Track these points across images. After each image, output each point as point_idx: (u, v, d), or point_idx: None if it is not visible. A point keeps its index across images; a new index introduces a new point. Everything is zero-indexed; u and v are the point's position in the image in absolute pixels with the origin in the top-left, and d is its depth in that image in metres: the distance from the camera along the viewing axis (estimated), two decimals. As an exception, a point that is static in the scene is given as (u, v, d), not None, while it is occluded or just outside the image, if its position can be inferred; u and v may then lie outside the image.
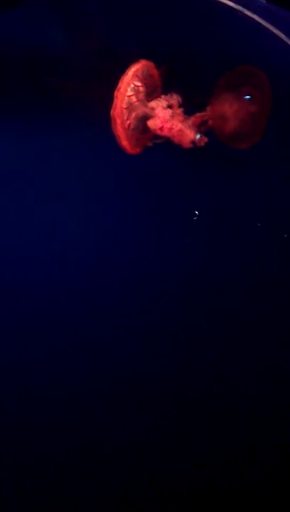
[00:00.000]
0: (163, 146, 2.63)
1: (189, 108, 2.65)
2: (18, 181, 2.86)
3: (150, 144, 2.65)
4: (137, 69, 2.51)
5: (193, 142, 2.61)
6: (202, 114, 2.70)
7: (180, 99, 2.62)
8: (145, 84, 2.59)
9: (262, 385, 2.68)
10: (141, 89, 2.57)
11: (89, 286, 2.75)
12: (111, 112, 2.49)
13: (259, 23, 2.98)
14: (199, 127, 2.68)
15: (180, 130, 2.56)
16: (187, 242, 2.80)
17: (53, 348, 2.68)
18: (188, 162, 2.82)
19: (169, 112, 2.58)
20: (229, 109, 2.70)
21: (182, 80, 2.77)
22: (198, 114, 2.70)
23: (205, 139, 2.63)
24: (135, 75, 2.51)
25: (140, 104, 2.55)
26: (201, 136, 2.65)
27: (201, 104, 2.69)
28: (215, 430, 2.64)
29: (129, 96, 2.52)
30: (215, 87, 2.72)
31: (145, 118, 2.58)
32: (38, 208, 2.82)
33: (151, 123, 2.56)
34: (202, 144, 2.61)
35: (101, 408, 2.64)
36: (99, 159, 2.80)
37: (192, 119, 2.67)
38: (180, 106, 2.64)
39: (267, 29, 2.99)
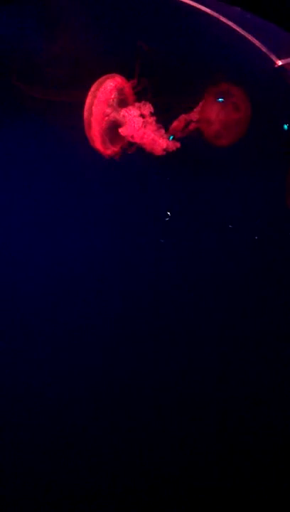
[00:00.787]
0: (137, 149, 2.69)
1: (162, 117, 2.69)
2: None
3: (123, 148, 2.69)
4: (112, 83, 2.56)
5: (165, 150, 2.64)
6: (186, 116, 2.75)
7: (151, 108, 2.65)
8: (119, 92, 2.63)
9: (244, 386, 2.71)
10: (114, 95, 2.61)
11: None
12: (85, 115, 2.54)
13: (236, 30, 3.04)
14: (181, 130, 2.73)
15: (152, 139, 2.60)
16: (160, 243, 2.84)
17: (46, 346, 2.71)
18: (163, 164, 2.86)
19: (141, 120, 2.61)
20: (216, 117, 2.76)
21: (162, 85, 2.82)
22: (182, 117, 2.76)
23: (178, 144, 2.68)
24: (109, 87, 2.56)
25: (112, 110, 2.59)
26: (173, 140, 2.70)
27: (184, 108, 2.75)
28: (213, 428, 2.67)
29: (105, 104, 2.57)
30: (201, 96, 2.79)
31: (117, 124, 2.62)
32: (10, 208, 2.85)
33: (122, 130, 2.60)
34: (174, 148, 2.65)
35: (98, 412, 2.67)
36: (73, 159, 2.83)
37: (175, 122, 2.72)
38: (152, 115, 2.67)
39: (243, 36, 3.05)
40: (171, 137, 2.77)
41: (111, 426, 2.63)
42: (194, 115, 2.79)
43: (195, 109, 2.79)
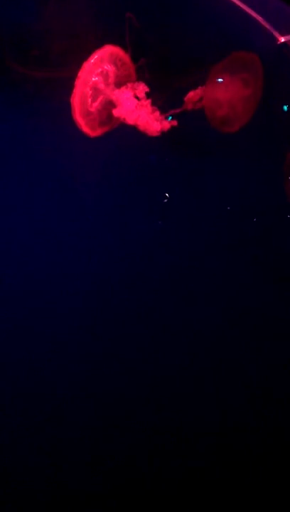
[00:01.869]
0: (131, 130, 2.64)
1: (158, 98, 2.63)
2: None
3: (115, 128, 2.64)
4: (102, 55, 2.49)
5: (160, 131, 2.59)
6: (196, 92, 2.69)
7: (146, 89, 2.59)
8: (116, 70, 2.57)
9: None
10: (110, 73, 2.55)
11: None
12: (71, 99, 2.48)
13: (238, 6, 2.97)
14: (195, 103, 2.67)
15: (145, 121, 2.55)
16: (158, 225, 2.82)
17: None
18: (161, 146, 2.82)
19: (134, 102, 2.55)
20: (225, 94, 2.70)
21: (160, 65, 2.76)
22: (191, 93, 2.69)
23: (175, 123, 2.63)
24: (100, 62, 2.49)
25: (107, 89, 2.53)
26: (171, 120, 2.66)
27: (183, 89, 2.69)
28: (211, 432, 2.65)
29: (95, 81, 2.50)
30: (209, 71, 2.73)
31: (111, 104, 2.56)
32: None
33: (115, 111, 2.54)
34: (169, 128, 2.60)
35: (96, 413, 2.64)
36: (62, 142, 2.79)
37: (191, 93, 2.65)
38: (148, 97, 2.60)
39: (246, 12, 2.97)
40: (170, 118, 2.73)
41: (110, 425, 2.62)
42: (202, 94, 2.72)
43: (201, 88, 2.72)
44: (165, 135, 2.66)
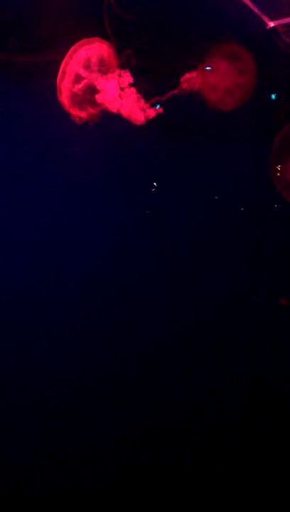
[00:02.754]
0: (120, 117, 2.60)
1: (143, 88, 2.59)
2: None
3: (97, 114, 2.60)
4: (89, 48, 2.45)
5: (145, 119, 2.57)
6: (191, 76, 2.67)
7: (131, 78, 2.55)
8: (101, 58, 2.53)
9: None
10: (94, 61, 2.52)
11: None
12: (57, 83, 2.46)
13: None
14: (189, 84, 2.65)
15: (129, 110, 2.52)
16: (146, 214, 2.81)
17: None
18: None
19: (118, 90, 2.52)
20: (220, 81, 2.68)
21: (147, 52, 2.71)
22: (187, 76, 2.67)
23: (161, 110, 2.60)
24: (84, 50, 2.46)
25: (90, 75, 2.50)
26: (159, 108, 2.63)
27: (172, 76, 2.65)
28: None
29: (78, 67, 2.47)
30: (206, 56, 2.70)
31: (95, 90, 2.53)
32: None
33: (98, 97, 2.51)
34: (154, 116, 2.57)
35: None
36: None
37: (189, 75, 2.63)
38: (131, 86, 2.58)
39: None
40: (158, 106, 2.70)
41: (109, 424, 2.65)
42: (197, 79, 2.70)
43: (196, 74, 2.69)
44: (154, 123, 2.65)
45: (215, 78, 2.70)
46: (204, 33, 2.85)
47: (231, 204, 2.80)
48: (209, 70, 2.71)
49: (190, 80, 2.69)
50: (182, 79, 2.67)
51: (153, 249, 2.78)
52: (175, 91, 2.68)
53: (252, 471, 2.60)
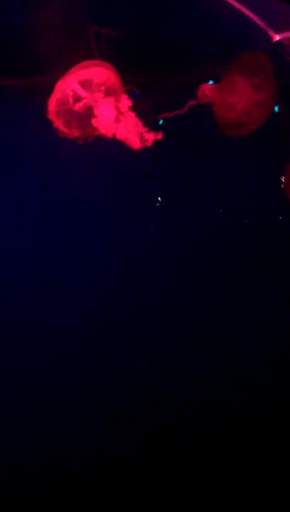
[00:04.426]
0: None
1: (142, 111, 2.59)
2: None
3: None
4: (89, 70, 2.47)
5: (143, 144, 2.56)
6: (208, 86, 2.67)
7: (129, 102, 2.54)
8: (100, 82, 2.53)
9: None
10: (94, 83, 2.52)
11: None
12: (49, 101, 2.48)
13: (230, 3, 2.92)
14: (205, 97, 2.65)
15: (125, 136, 2.51)
16: (150, 229, 2.81)
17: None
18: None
19: (114, 115, 2.51)
20: (239, 99, 2.68)
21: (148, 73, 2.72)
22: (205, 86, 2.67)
23: (160, 136, 2.60)
24: (85, 74, 2.47)
25: (90, 97, 2.50)
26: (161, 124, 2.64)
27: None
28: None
29: (74, 89, 2.49)
30: (223, 74, 2.71)
31: (92, 111, 2.53)
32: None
33: (94, 121, 2.51)
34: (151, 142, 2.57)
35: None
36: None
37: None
38: (131, 109, 2.57)
39: (238, 9, 2.92)
40: (161, 121, 2.71)
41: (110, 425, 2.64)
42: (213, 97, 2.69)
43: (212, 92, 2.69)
44: (161, 137, 2.65)
45: (234, 98, 2.70)
46: (209, 50, 2.85)
47: (236, 217, 2.77)
48: (217, 87, 2.70)
49: (201, 97, 2.69)
50: (194, 96, 2.67)
51: (157, 263, 2.78)
52: (183, 109, 2.68)
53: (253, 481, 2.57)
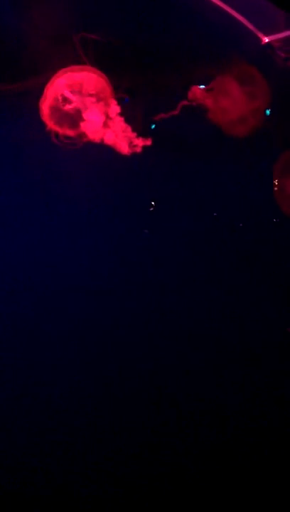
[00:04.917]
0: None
1: (132, 117, 2.60)
2: None
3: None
4: (78, 74, 2.47)
5: (131, 149, 2.57)
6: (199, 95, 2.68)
7: (118, 109, 2.54)
8: (89, 87, 2.53)
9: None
10: (84, 88, 2.52)
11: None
12: (41, 103, 2.49)
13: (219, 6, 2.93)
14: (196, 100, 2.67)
15: (113, 141, 2.51)
16: (144, 233, 2.81)
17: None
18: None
19: (102, 120, 2.51)
20: (231, 104, 2.70)
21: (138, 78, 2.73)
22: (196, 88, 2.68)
23: (149, 142, 2.60)
24: (75, 78, 2.47)
25: (78, 100, 2.50)
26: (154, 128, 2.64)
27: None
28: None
29: (64, 92, 2.49)
30: (214, 76, 2.73)
31: (80, 115, 2.53)
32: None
33: (83, 125, 2.51)
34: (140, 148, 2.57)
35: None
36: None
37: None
38: (120, 115, 2.57)
39: (228, 12, 2.93)
40: (153, 126, 2.71)
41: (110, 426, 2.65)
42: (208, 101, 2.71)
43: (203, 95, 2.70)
44: (150, 143, 2.66)
45: (227, 102, 2.71)
46: (199, 53, 2.86)
47: (230, 220, 2.78)
48: (213, 91, 2.71)
49: (194, 99, 2.70)
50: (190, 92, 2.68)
51: (153, 267, 2.78)
52: (176, 111, 2.69)
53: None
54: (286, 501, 2.60)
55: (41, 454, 2.57)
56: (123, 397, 2.66)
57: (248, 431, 2.67)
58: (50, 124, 2.54)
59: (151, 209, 2.79)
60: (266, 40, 2.90)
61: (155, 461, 2.61)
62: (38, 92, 2.57)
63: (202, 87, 2.73)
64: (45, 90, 2.53)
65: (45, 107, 2.51)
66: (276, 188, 2.80)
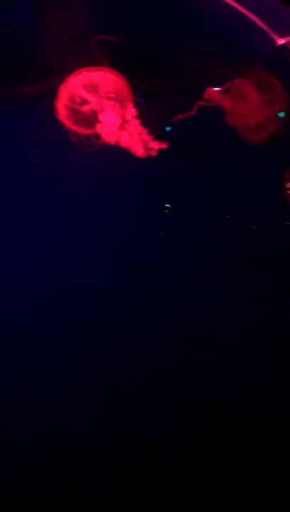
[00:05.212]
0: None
1: (148, 119, 2.60)
2: None
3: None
4: (96, 75, 2.47)
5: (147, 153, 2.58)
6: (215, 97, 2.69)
7: (135, 111, 2.54)
8: (107, 87, 2.54)
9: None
10: (100, 89, 2.52)
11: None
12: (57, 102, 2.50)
13: (233, 7, 2.92)
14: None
15: (128, 144, 2.52)
16: (159, 236, 2.82)
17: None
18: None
19: (118, 123, 2.51)
20: (250, 111, 2.71)
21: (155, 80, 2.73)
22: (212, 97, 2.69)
23: (164, 146, 2.60)
24: (92, 78, 2.48)
25: (96, 101, 2.50)
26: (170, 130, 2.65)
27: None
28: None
29: (82, 93, 2.49)
30: (228, 78, 2.74)
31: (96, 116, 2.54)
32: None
33: (99, 127, 2.51)
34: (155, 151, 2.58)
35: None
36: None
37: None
38: (137, 118, 2.58)
39: (242, 13, 2.92)
40: (168, 128, 2.71)
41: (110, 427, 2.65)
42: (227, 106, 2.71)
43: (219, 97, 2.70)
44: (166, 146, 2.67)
45: (245, 107, 2.72)
46: (213, 54, 2.86)
47: (244, 222, 2.79)
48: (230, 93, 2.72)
49: (211, 100, 2.71)
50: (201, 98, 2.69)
51: (165, 270, 2.79)
52: (193, 111, 2.69)
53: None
54: (286, 501, 2.62)
55: (41, 454, 2.57)
56: (123, 397, 2.66)
57: (248, 431, 2.68)
58: (68, 125, 2.54)
59: (166, 211, 2.80)
60: (281, 42, 2.90)
61: (155, 461, 2.61)
62: (55, 95, 2.57)
63: (217, 89, 2.73)
64: (61, 90, 2.53)
65: (61, 106, 2.51)
66: (288, 192, 2.82)
